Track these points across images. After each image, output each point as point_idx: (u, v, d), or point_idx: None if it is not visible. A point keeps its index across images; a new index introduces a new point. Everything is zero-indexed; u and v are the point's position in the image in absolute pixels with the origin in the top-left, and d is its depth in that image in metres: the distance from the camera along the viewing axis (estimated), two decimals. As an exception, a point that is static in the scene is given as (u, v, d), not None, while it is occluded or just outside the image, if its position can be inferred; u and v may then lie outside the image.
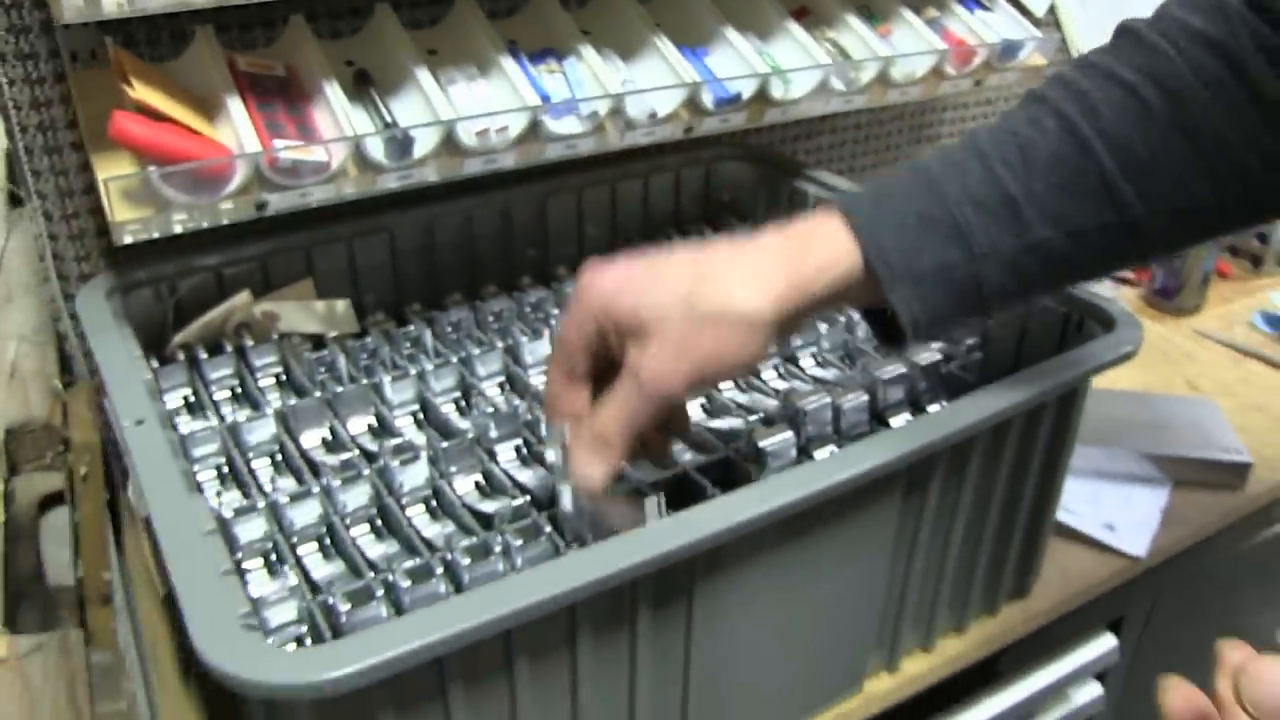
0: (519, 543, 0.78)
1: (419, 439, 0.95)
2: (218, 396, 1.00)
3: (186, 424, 0.95)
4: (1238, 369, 1.47)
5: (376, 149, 0.94)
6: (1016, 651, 1.06)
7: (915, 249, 0.71)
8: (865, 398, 0.93)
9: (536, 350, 1.05)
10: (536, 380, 1.03)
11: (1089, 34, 1.65)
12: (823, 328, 1.07)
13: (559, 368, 0.77)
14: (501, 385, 1.03)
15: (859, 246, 0.72)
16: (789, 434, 0.88)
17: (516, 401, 0.99)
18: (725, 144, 1.25)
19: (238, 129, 0.89)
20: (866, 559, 0.87)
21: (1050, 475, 0.98)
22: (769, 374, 1.03)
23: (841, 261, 0.73)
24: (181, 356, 1.00)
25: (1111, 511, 1.17)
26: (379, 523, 0.85)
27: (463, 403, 1.01)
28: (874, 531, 0.86)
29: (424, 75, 0.99)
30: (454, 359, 1.01)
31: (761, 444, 0.87)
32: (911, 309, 0.73)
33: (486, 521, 0.83)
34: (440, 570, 0.75)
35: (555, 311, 1.10)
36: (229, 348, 1.01)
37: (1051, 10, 1.61)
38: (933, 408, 0.92)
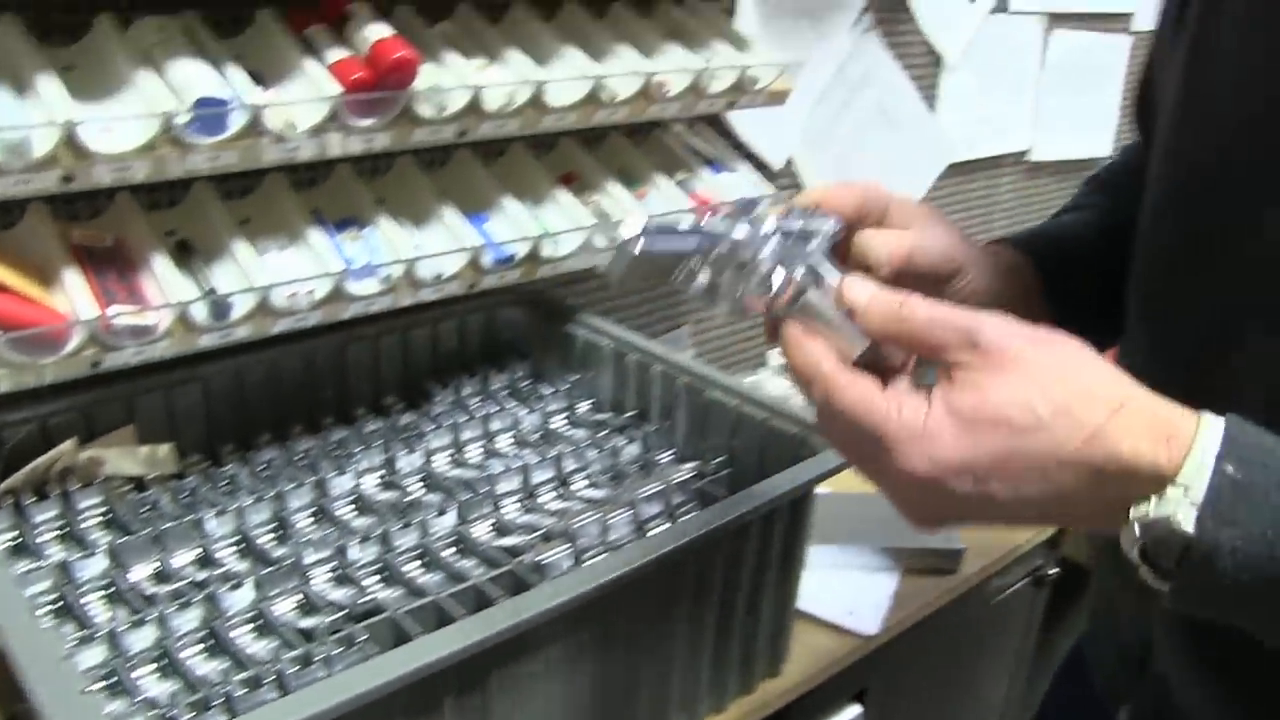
0: (337, 652, 0.92)
1: (242, 567, 1.07)
2: (45, 538, 1.09)
3: (15, 566, 1.04)
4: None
5: (199, 313, 1.07)
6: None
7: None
8: (629, 513, 1.10)
9: (342, 484, 1.18)
10: (343, 512, 1.16)
11: (818, 183, 1.90)
12: (592, 454, 1.24)
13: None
14: (314, 515, 1.16)
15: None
16: (565, 548, 1.05)
17: (328, 530, 1.12)
18: (504, 291, 1.41)
19: (73, 297, 1.01)
20: (630, 650, 1.03)
21: (788, 568, 1.16)
22: (546, 496, 1.19)
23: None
24: (7, 503, 1.10)
25: (850, 598, 1.36)
26: (210, 643, 0.97)
27: (279, 533, 1.13)
28: (634, 627, 1.02)
29: (240, 245, 1.13)
30: (268, 495, 1.14)
31: (539, 558, 1.03)
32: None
33: (309, 636, 0.96)
34: (270, 679, 0.88)
35: (357, 450, 1.23)
36: (54, 492, 1.11)
37: (789, 162, 1.85)
38: (687, 518, 1.10)
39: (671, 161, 1.50)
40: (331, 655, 0.91)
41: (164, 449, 1.17)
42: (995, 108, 2.27)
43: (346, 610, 0.99)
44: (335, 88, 1.07)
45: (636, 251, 0.64)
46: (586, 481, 1.22)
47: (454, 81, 1.16)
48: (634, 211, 0.62)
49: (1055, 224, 0.94)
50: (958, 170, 2.21)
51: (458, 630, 0.87)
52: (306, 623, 0.99)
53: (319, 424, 1.31)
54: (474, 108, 1.17)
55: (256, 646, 0.97)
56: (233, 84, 1.05)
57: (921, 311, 0.61)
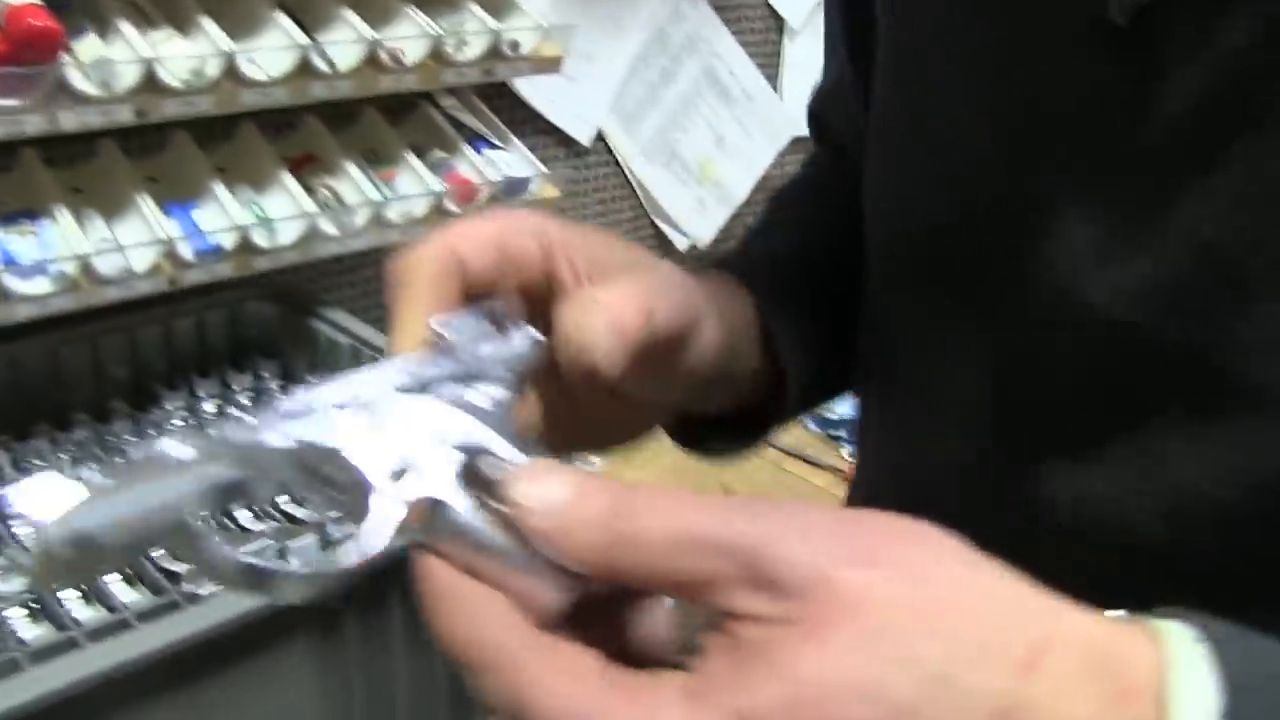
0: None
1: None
2: None
3: None
4: (776, 471, 1.59)
5: None
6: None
7: None
8: (313, 538, 1.00)
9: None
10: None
11: (637, 160, 1.79)
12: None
13: None
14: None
15: None
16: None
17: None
18: (250, 284, 1.30)
19: None
20: (292, 689, 0.92)
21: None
22: (244, 514, 1.08)
23: None
24: None
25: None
26: None
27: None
28: (297, 661, 0.91)
29: (-122, 242, 1.01)
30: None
31: (193, 588, 0.92)
32: None
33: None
34: None
35: (39, 463, 1.12)
36: None
37: (601, 137, 1.74)
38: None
39: (432, 139, 1.38)
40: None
41: None
42: (854, 76, 2.15)
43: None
44: (-38, 64, 0.96)
45: (57, 548, 0.33)
46: (293, 498, 1.11)
47: (124, 55, 1.04)
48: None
49: (757, 245, 0.70)
50: (807, 145, 2.09)
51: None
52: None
53: (28, 434, 1.19)
54: (152, 84, 1.05)
55: None
56: None
57: (658, 521, 0.33)
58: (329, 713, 0.95)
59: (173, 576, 0.96)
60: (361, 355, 1.23)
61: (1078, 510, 0.46)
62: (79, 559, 0.33)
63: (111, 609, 0.94)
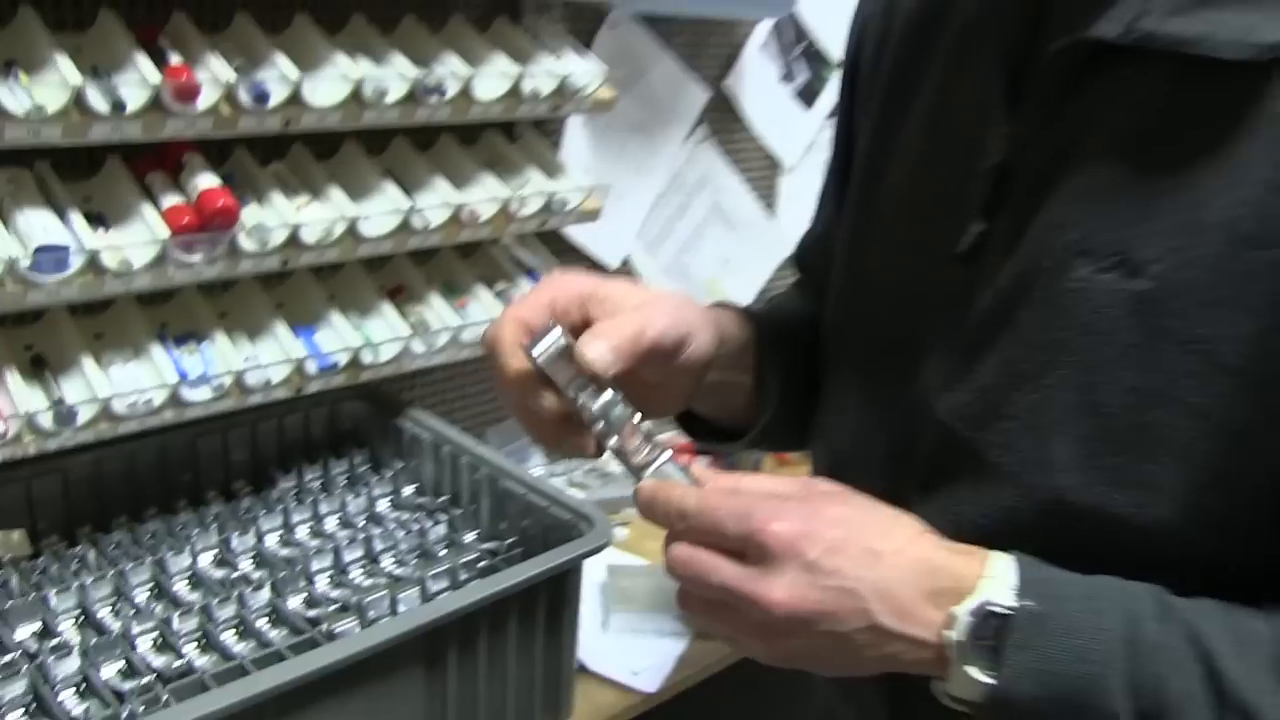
0: (141, 709, 1.10)
1: (76, 638, 1.26)
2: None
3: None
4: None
5: (46, 420, 1.26)
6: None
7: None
8: (416, 590, 1.30)
9: (180, 562, 1.37)
10: (178, 587, 1.35)
11: (657, 279, 2.12)
12: (402, 534, 1.43)
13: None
14: (151, 590, 1.34)
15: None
16: (353, 619, 1.24)
17: (159, 603, 1.31)
18: (345, 388, 1.61)
19: (-66, 412, 1.21)
20: (405, 701, 1.22)
21: (556, 634, 1.34)
22: (356, 572, 1.38)
23: None
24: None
25: (638, 660, 1.55)
26: (33, 707, 1.15)
27: (116, 607, 1.32)
28: (408, 679, 1.21)
29: (87, 360, 1.32)
30: (110, 573, 1.33)
31: (333, 628, 1.22)
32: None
33: (122, 698, 1.14)
34: (79, 734, 1.07)
35: (196, 531, 1.42)
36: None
37: (626, 262, 2.06)
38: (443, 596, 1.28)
39: (494, 273, 1.71)
40: (136, 714, 1.10)
41: (17, 534, 1.36)
42: (843, 202, 2.48)
43: (159, 674, 1.18)
44: (165, 231, 1.27)
45: (534, 355, 0.74)
46: (394, 559, 1.42)
47: (276, 220, 1.36)
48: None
49: (780, 301, 1.11)
50: (800, 262, 2.42)
51: (236, 686, 1.06)
52: (126, 685, 1.18)
53: (173, 508, 1.50)
54: (294, 241, 1.37)
55: (79, 708, 1.15)
56: (74, 229, 1.24)
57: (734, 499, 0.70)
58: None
59: (313, 621, 1.26)
60: (441, 446, 1.54)
61: None
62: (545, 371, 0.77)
63: (264, 644, 1.24)
